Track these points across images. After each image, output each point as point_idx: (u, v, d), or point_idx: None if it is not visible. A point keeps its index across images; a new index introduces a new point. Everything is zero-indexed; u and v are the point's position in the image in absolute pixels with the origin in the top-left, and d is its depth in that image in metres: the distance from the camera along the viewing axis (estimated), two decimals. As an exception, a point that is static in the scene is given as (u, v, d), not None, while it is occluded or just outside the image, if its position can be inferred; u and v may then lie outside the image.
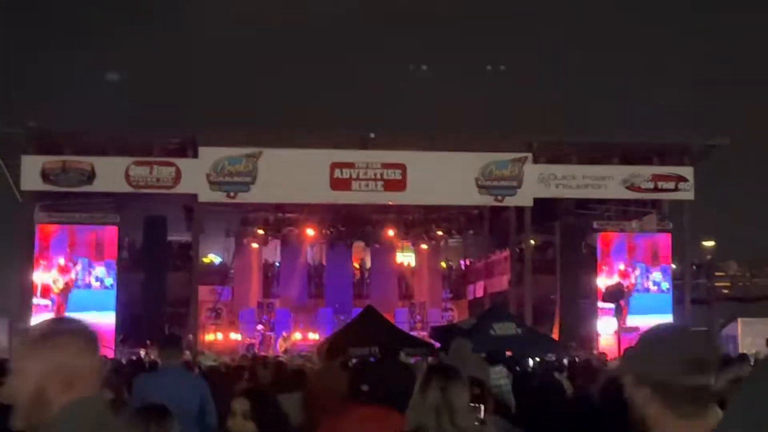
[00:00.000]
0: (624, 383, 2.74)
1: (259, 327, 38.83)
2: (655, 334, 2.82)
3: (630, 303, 34.28)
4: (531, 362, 22.49)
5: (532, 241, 37.80)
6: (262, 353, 33.07)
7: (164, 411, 5.37)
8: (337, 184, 34.15)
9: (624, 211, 37.24)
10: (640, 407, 2.68)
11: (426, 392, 4.83)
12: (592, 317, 35.19)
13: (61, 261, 33.56)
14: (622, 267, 35.49)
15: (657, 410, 2.65)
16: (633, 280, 35.30)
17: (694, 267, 38.79)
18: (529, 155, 34.87)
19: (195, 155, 33.96)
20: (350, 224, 40.09)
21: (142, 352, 29.66)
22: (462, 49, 59.70)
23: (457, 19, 60.63)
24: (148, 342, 30.44)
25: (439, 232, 42.05)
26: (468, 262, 45.55)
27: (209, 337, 38.44)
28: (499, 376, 10.31)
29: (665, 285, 35.66)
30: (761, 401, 1.49)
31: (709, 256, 41.43)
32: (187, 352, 24.07)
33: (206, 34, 57.97)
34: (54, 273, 33.46)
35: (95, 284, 33.67)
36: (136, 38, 58.01)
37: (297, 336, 38.41)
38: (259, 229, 40.36)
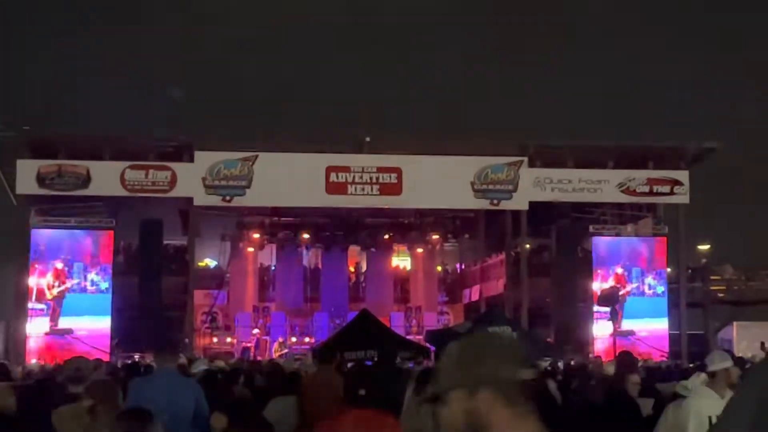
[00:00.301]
0: (451, 402, 2.73)
1: (255, 331, 38.80)
2: (473, 344, 2.87)
3: (624, 307, 34.28)
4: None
5: (528, 245, 37.82)
6: (258, 357, 33.08)
7: (144, 414, 5.34)
8: (333, 188, 34.14)
9: (619, 215, 37.28)
10: (484, 415, 2.69)
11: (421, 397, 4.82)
12: (588, 321, 35.20)
13: (57, 265, 33.50)
14: (617, 271, 35.50)
15: (501, 412, 2.68)
16: (628, 284, 35.31)
17: (690, 271, 38.82)
18: (525, 159, 34.89)
19: (191, 159, 33.94)
20: (346, 228, 40.08)
21: (137, 356, 29.61)
22: (459, 51, 59.78)
23: (454, 22, 60.70)
24: (143, 346, 30.40)
25: (435, 236, 42.07)
26: (464, 266, 45.57)
27: (205, 340, 38.42)
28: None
29: (661, 289, 35.68)
30: (761, 401, 1.50)
31: (704, 260, 41.46)
32: (183, 356, 24.07)
33: (202, 38, 57.98)
34: (49, 277, 33.41)
35: (91, 288, 33.62)
36: (132, 42, 58.01)
37: (293, 340, 38.38)
38: (255, 233, 40.35)
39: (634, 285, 35.41)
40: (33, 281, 33.32)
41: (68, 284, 33.39)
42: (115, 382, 7.59)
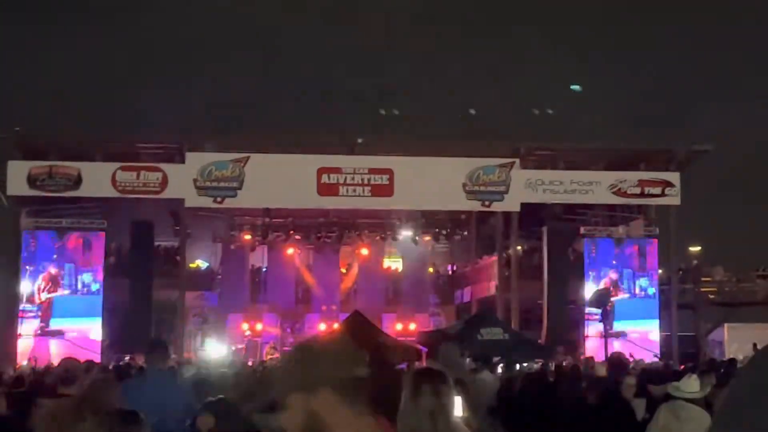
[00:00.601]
0: (290, 406, 2.76)
1: (247, 333, 38.76)
2: (307, 348, 2.93)
3: (615, 308, 34.30)
4: (518, 366, 22.53)
5: (519, 247, 37.85)
6: (250, 359, 33.04)
7: (130, 417, 5.28)
8: (325, 190, 34.12)
9: (611, 217, 37.32)
10: (322, 415, 2.71)
11: (418, 398, 4.81)
12: (579, 322, 35.23)
13: (48, 266, 33.44)
14: (608, 272, 35.54)
15: (340, 411, 2.71)
16: (619, 286, 35.35)
17: (681, 272, 38.87)
18: (517, 161, 34.90)
19: (182, 160, 33.89)
20: (337, 230, 40.07)
21: (128, 358, 29.54)
22: (449, 55, 59.80)
23: (445, 25, 60.74)
24: (134, 348, 30.32)
25: (427, 238, 42.07)
26: (455, 268, 45.57)
27: (196, 342, 38.36)
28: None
29: (652, 290, 35.73)
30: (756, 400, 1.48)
31: (695, 262, 41.52)
32: (174, 357, 24.02)
33: (193, 39, 57.91)
34: (40, 279, 33.35)
35: (81, 290, 33.55)
36: (123, 43, 57.94)
37: (289, 340, 38.35)
38: (246, 234, 40.32)
39: (625, 286, 35.47)
40: (24, 282, 33.26)
41: (59, 292, 33.31)
42: (114, 382, 7.53)
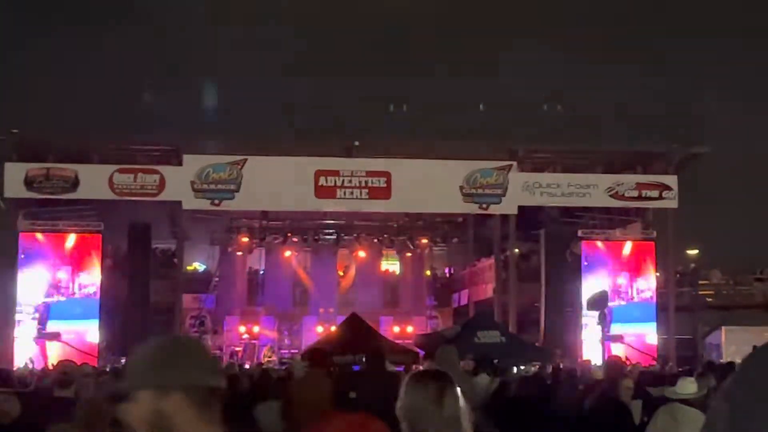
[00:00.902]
0: (140, 401, 2.76)
1: (244, 336, 38.75)
2: (165, 346, 2.93)
3: (613, 311, 34.28)
4: (515, 370, 22.53)
5: (517, 250, 37.84)
6: (247, 362, 33.03)
7: None
8: (322, 192, 34.08)
9: (608, 220, 37.31)
10: (170, 417, 2.72)
11: (443, 403, 4.71)
12: (577, 325, 35.22)
13: (45, 269, 33.39)
14: (606, 275, 35.53)
15: (188, 415, 2.72)
16: (617, 289, 35.33)
17: (678, 275, 38.88)
18: (514, 163, 34.88)
19: (179, 163, 33.85)
20: (335, 232, 40.07)
21: (125, 360, 29.51)
22: (447, 56, 59.78)
23: (441, 27, 60.75)
24: (131, 350, 30.27)
25: (424, 240, 42.09)
26: (453, 270, 45.58)
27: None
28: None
29: (649, 293, 35.72)
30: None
31: (693, 265, 41.55)
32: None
33: (191, 40, 57.91)
34: (37, 281, 33.30)
35: (79, 292, 33.50)
36: (121, 44, 57.90)
37: (286, 342, 38.38)
38: (244, 236, 40.32)
39: (622, 290, 35.46)
40: (21, 285, 33.22)
41: (56, 295, 33.26)
42: (106, 402, 7.48)
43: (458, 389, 4.78)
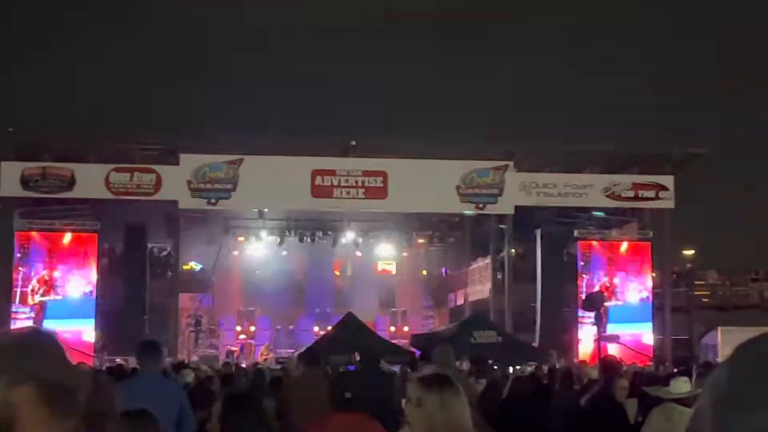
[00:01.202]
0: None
1: (241, 335, 38.76)
2: (23, 339, 2.93)
3: (609, 311, 34.31)
4: (511, 369, 22.55)
5: (513, 250, 37.85)
6: (243, 361, 33.02)
7: (147, 415, 5.28)
8: (319, 192, 34.07)
9: (605, 220, 37.34)
10: (16, 408, 2.72)
11: (451, 407, 4.70)
12: (573, 325, 35.25)
13: (41, 268, 33.38)
14: (602, 275, 35.56)
15: (37, 410, 2.73)
16: (613, 289, 35.36)
17: (674, 275, 38.91)
18: (511, 163, 34.89)
19: (176, 162, 33.84)
20: (332, 232, 40.05)
21: (119, 360, 29.50)
22: (444, 57, 59.82)
23: (439, 27, 60.78)
24: (127, 349, 30.27)
25: (420, 240, 42.08)
26: (449, 270, 45.58)
27: (189, 344, 38.31)
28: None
29: (645, 293, 35.76)
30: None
31: (689, 265, 41.58)
32: (168, 360, 23.96)
33: (189, 41, 57.91)
34: (33, 280, 33.28)
35: (75, 291, 33.48)
36: (117, 44, 57.88)
37: (281, 341, 38.38)
38: (240, 236, 40.29)
39: (618, 290, 35.50)
40: (16, 284, 33.20)
41: (52, 294, 33.24)
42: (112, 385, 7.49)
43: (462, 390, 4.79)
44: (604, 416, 9.76)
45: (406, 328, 39.54)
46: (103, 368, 23.46)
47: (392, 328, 39.36)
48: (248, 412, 5.41)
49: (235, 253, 41.17)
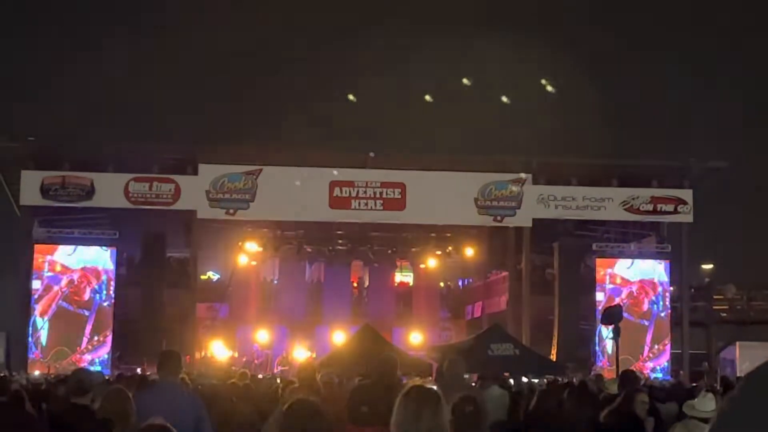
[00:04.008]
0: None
1: (256, 345, 38.77)
2: None
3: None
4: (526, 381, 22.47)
5: (531, 262, 37.76)
6: (261, 371, 33.04)
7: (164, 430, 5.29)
8: (337, 203, 34.14)
9: (623, 234, 37.23)
10: None
11: (421, 417, 4.81)
12: (590, 339, 35.12)
13: (60, 277, 33.48)
14: (620, 289, 35.42)
15: None
16: (631, 303, 35.19)
17: (693, 290, 38.73)
18: (529, 176, 34.87)
19: (195, 172, 33.95)
20: (349, 243, 40.06)
21: (139, 370, 29.56)
22: (464, 70, 59.79)
23: (458, 40, 60.80)
24: (145, 359, 30.34)
25: (438, 252, 42.04)
26: (466, 282, 45.50)
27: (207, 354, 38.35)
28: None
29: (663, 308, 35.61)
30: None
31: (707, 279, 41.38)
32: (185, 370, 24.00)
33: (206, 51, 58.11)
34: (52, 288, 33.39)
35: (93, 300, 33.57)
36: (138, 54, 58.13)
37: (295, 354, 38.33)
38: (258, 246, 40.34)
39: (637, 303, 35.35)
40: (35, 292, 33.30)
41: (71, 303, 33.33)
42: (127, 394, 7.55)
43: (442, 404, 4.87)
44: (624, 431, 9.71)
45: (422, 340, 39.45)
46: (118, 377, 23.54)
47: (409, 340, 39.28)
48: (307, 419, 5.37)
49: (253, 263, 41.20)
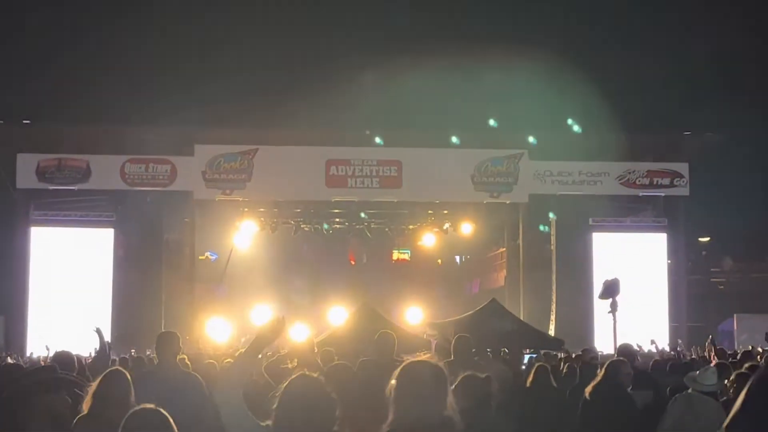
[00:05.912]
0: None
1: (255, 325, 38.78)
2: None
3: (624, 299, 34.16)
4: (526, 358, 22.53)
5: (529, 238, 37.77)
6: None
7: (158, 416, 5.23)
8: (333, 181, 34.13)
9: (620, 208, 37.26)
10: None
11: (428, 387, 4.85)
12: (588, 314, 35.16)
13: (57, 260, 33.48)
14: (617, 263, 35.44)
15: None
16: (628, 277, 35.22)
17: (690, 263, 38.80)
18: (525, 151, 34.86)
19: (190, 153, 33.93)
20: (346, 221, 40.04)
21: (133, 352, 29.57)
22: (458, 46, 59.67)
23: (454, 18, 60.62)
24: (143, 341, 30.35)
25: (436, 229, 42.05)
26: (464, 259, 45.56)
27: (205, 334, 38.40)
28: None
29: (661, 281, 35.65)
30: None
31: (704, 252, 41.47)
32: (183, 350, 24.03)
33: (201, 30, 57.89)
34: (49, 271, 33.39)
35: (90, 282, 33.57)
36: (131, 34, 57.91)
37: (293, 334, 38.33)
38: (255, 226, 40.30)
39: (634, 277, 35.39)
40: (32, 275, 33.32)
41: (68, 285, 33.31)
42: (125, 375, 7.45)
43: (446, 378, 4.90)
44: (609, 402, 9.71)
45: (421, 317, 39.51)
46: (117, 359, 23.55)
47: (407, 317, 39.32)
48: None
49: (250, 243, 41.20)
